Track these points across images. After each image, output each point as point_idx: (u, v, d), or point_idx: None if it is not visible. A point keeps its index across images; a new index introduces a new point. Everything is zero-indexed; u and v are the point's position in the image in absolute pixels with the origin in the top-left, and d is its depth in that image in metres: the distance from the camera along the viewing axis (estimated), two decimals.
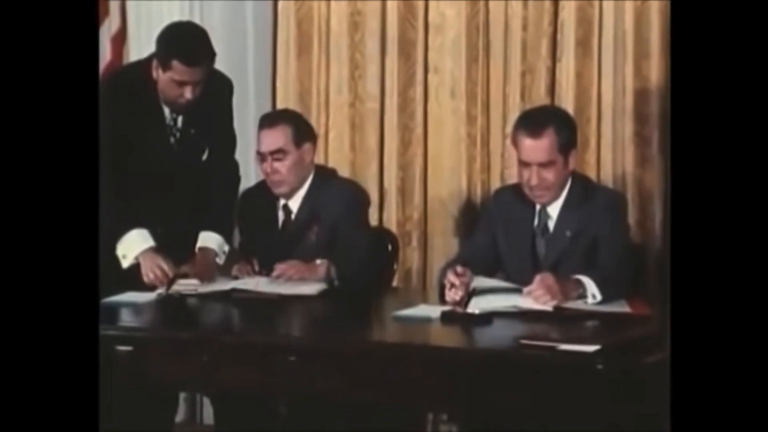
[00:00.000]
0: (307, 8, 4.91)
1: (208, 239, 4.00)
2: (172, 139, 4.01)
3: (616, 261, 3.61)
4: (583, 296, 3.47)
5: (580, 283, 3.48)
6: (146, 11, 4.84)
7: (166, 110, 3.97)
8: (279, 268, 3.85)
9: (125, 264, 3.88)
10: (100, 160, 3.64)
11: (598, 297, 3.46)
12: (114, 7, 4.69)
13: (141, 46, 4.63)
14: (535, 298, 3.41)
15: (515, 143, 3.73)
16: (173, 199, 3.99)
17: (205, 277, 3.89)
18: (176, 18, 4.65)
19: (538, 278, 3.44)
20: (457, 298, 3.47)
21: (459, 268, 3.54)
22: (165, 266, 3.83)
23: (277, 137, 3.98)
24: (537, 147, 3.64)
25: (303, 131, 4.05)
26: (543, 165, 3.64)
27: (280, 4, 4.96)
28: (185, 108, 3.93)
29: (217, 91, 4.02)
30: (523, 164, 3.69)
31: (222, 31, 4.85)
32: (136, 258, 3.86)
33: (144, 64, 3.95)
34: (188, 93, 3.85)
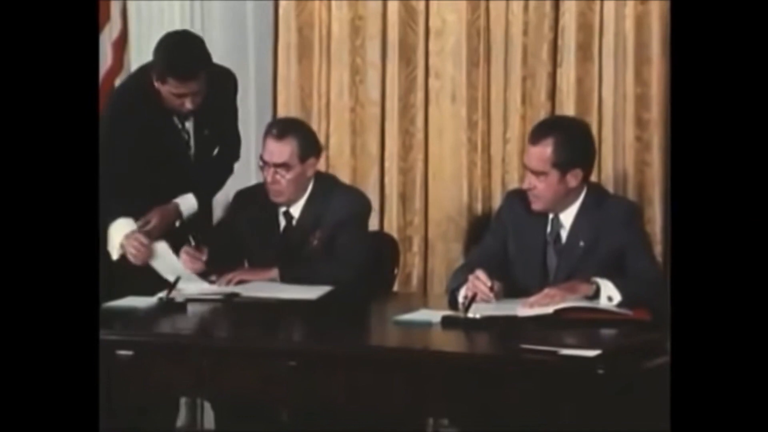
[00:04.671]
0: (308, 13, 4.91)
1: (184, 199, 4.05)
2: (185, 142, 4.05)
3: (642, 267, 3.51)
4: (595, 297, 3.40)
5: (593, 285, 3.40)
6: (147, 16, 4.84)
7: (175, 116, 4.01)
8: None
9: (115, 256, 3.93)
10: (120, 168, 3.70)
11: (617, 298, 3.39)
12: (115, 12, 4.69)
13: (142, 51, 4.63)
14: (531, 304, 3.38)
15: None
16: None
17: (154, 234, 3.92)
18: (177, 24, 4.65)
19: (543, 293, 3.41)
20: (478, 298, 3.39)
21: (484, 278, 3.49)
22: (140, 237, 3.88)
23: (282, 151, 3.91)
24: (531, 153, 3.60)
25: (309, 145, 3.98)
26: (534, 173, 3.58)
27: (281, 9, 4.96)
28: (190, 115, 3.99)
29: (221, 88, 4.06)
30: (524, 166, 3.70)
31: (223, 36, 4.85)
32: (121, 246, 3.91)
33: (148, 71, 3.96)
34: (188, 104, 3.90)
